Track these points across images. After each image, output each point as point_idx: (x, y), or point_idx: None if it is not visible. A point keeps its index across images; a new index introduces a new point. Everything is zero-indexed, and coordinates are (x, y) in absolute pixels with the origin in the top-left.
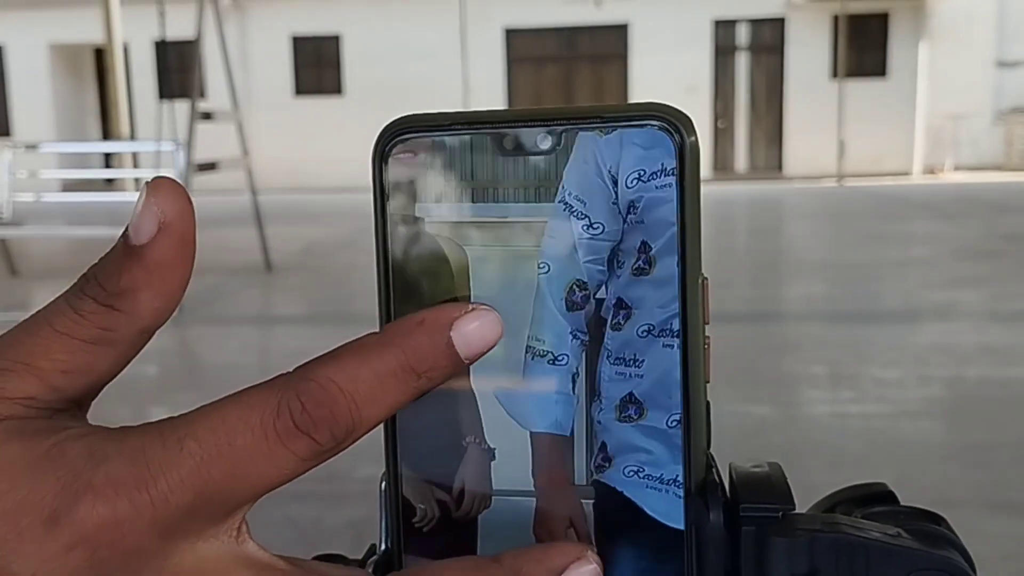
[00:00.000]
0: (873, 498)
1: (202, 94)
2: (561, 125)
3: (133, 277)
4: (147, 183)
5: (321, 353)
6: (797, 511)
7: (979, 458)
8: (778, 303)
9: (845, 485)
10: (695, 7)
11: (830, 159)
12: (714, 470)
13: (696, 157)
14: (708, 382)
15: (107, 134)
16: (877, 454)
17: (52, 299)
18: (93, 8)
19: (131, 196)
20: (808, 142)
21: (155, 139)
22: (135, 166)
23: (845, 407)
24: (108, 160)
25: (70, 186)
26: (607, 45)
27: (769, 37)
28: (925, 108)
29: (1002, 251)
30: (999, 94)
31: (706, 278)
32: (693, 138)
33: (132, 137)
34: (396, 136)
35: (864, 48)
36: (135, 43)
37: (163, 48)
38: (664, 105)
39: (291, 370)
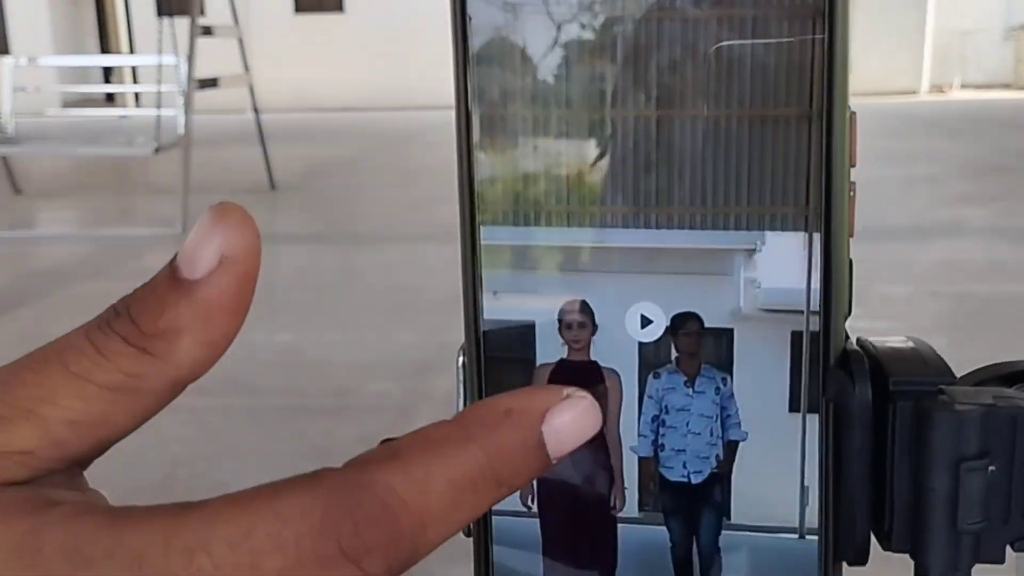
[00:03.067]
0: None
1: (201, 11)
2: None
3: (177, 316)
4: (211, 208)
5: (381, 442)
6: (957, 385)
7: None
8: None
9: (983, 365)
10: None
11: None
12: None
13: None
14: (852, 236)
15: (105, 52)
16: None
17: (69, 331)
18: None
19: (132, 112)
20: None
21: (156, 55)
22: (135, 81)
23: (855, 323)
24: (108, 77)
25: (71, 101)
26: None
27: None
28: (933, 25)
29: (1010, 168)
30: (1009, 10)
31: (854, 113)
32: None
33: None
34: None
35: None
36: None
37: None
38: None
39: (341, 467)
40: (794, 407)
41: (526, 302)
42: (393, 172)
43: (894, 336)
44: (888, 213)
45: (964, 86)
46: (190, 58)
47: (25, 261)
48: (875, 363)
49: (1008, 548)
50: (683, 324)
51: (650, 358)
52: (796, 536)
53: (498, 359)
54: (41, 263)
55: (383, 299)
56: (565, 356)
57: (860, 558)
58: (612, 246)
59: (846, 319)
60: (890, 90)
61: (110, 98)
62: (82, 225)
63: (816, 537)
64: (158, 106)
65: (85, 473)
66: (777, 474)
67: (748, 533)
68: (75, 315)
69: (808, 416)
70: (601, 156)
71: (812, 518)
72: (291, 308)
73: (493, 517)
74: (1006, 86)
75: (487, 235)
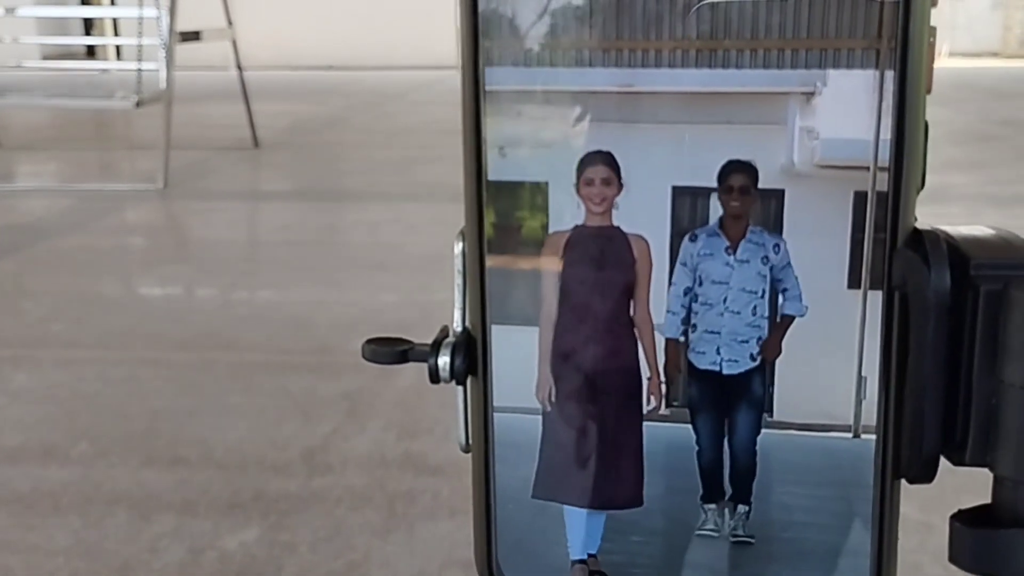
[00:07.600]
0: None
1: None
2: None
3: None
4: None
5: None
6: None
7: None
8: None
9: None
10: None
11: None
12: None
13: None
14: (929, 92)
15: (86, 3)
16: None
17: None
18: None
19: (113, 65)
20: None
21: (137, 6)
22: (116, 34)
23: None
24: (89, 29)
25: (50, 54)
26: None
27: None
28: None
29: (997, 136)
30: None
31: None
32: None
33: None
34: None
35: None
36: None
37: None
38: None
39: None
40: (853, 283)
41: (539, 159)
42: (377, 132)
43: (966, 225)
44: None
45: (952, 54)
46: (172, 10)
47: (5, 214)
48: (951, 246)
49: None
50: (730, 174)
51: (684, 223)
52: (850, 435)
53: (504, 227)
54: (21, 216)
55: (366, 257)
56: (582, 221)
57: (926, 472)
58: (642, 90)
59: (918, 193)
60: None
61: (91, 51)
62: (62, 179)
63: (873, 436)
64: (139, 59)
65: (75, 421)
66: (830, 362)
67: (792, 432)
68: (55, 268)
69: (870, 294)
70: None
71: (870, 416)
72: (273, 265)
73: (495, 415)
74: (994, 54)
75: (493, 78)
